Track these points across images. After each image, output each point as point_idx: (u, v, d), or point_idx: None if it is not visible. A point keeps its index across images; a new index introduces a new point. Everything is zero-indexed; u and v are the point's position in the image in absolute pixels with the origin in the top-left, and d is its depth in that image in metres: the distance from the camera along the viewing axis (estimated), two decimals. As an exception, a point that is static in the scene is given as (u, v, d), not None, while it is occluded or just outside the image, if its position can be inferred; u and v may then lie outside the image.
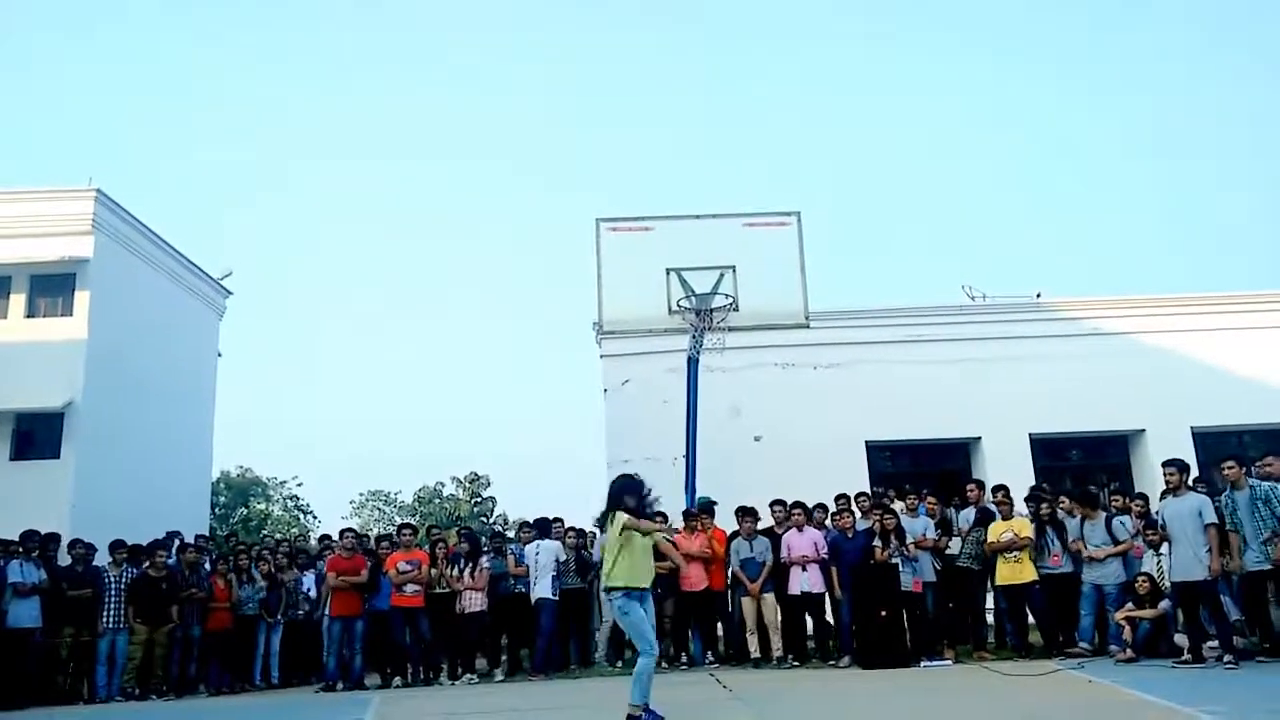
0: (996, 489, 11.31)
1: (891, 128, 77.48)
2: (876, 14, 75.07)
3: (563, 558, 11.20)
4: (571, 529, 11.61)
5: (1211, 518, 8.65)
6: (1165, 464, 9.24)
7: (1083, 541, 10.33)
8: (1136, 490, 13.44)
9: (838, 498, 11.23)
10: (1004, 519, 10.56)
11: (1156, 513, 9.75)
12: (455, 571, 10.92)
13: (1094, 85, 72.35)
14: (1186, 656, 8.74)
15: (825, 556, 10.59)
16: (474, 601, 10.79)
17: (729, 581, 11.00)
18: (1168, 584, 9.74)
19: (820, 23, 77.69)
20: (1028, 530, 10.39)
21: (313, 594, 11.42)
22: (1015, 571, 10.30)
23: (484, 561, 11.06)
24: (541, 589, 10.95)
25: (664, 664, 10.84)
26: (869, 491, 13.00)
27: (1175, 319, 16.45)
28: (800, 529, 10.76)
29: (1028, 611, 10.49)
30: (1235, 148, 70.98)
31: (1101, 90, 73.36)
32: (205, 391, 23.17)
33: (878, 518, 10.52)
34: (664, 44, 79.46)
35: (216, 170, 77.56)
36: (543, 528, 11.63)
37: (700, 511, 11.28)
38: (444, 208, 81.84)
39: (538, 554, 11.11)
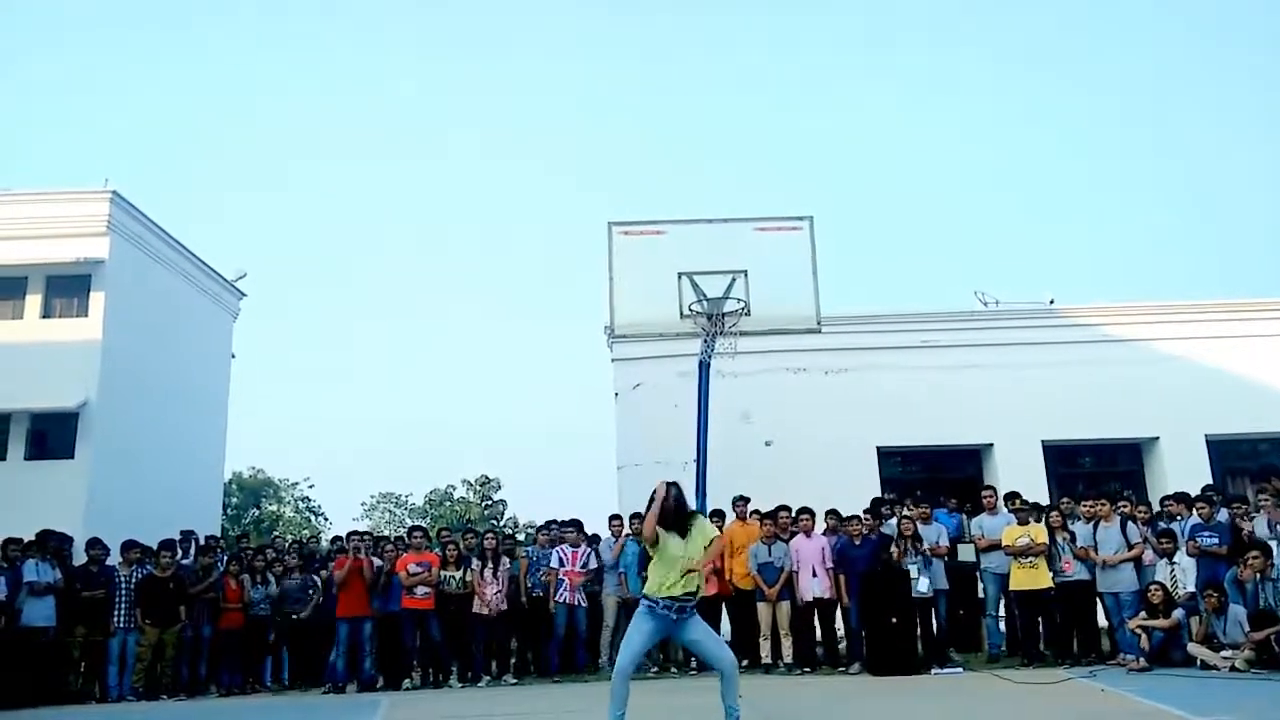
0: (1010, 495, 11.32)
1: (904, 131, 77.40)
2: (885, 15, 75.02)
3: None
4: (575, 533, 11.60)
5: None
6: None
7: (1094, 547, 10.29)
8: (1149, 498, 13.36)
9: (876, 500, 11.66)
10: (1020, 524, 10.55)
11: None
12: (477, 570, 10.85)
13: (1106, 86, 72.12)
14: None
15: (832, 564, 10.59)
16: (496, 603, 10.78)
17: (734, 586, 11.00)
18: (1180, 593, 9.73)
19: (828, 24, 77.69)
20: (1043, 536, 10.37)
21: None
22: (1031, 577, 10.27)
23: (505, 562, 11.07)
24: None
25: (673, 669, 10.89)
26: (878, 498, 12.96)
27: (1189, 325, 16.32)
28: (808, 535, 10.76)
29: (1040, 619, 10.46)
30: (1249, 150, 70.60)
31: (1114, 92, 73.13)
32: (218, 392, 23.28)
33: (902, 518, 10.57)
34: (671, 45, 79.59)
35: (230, 171, 78.06)
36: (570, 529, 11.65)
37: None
38: (455, 209, 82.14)
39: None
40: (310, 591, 11.36)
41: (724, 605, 11.05)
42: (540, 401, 70.65)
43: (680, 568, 5.81)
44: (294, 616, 11.23)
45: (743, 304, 11.79)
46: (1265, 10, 63.75)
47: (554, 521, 11.68)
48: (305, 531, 38.70)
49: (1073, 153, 74.93)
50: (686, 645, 6.21)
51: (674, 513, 5.95)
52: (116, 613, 10.67)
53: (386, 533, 28.45)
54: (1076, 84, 72.35)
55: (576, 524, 11.53)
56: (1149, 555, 10.20)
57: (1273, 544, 9.46)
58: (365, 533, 12.78)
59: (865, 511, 11.21)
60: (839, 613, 10.69)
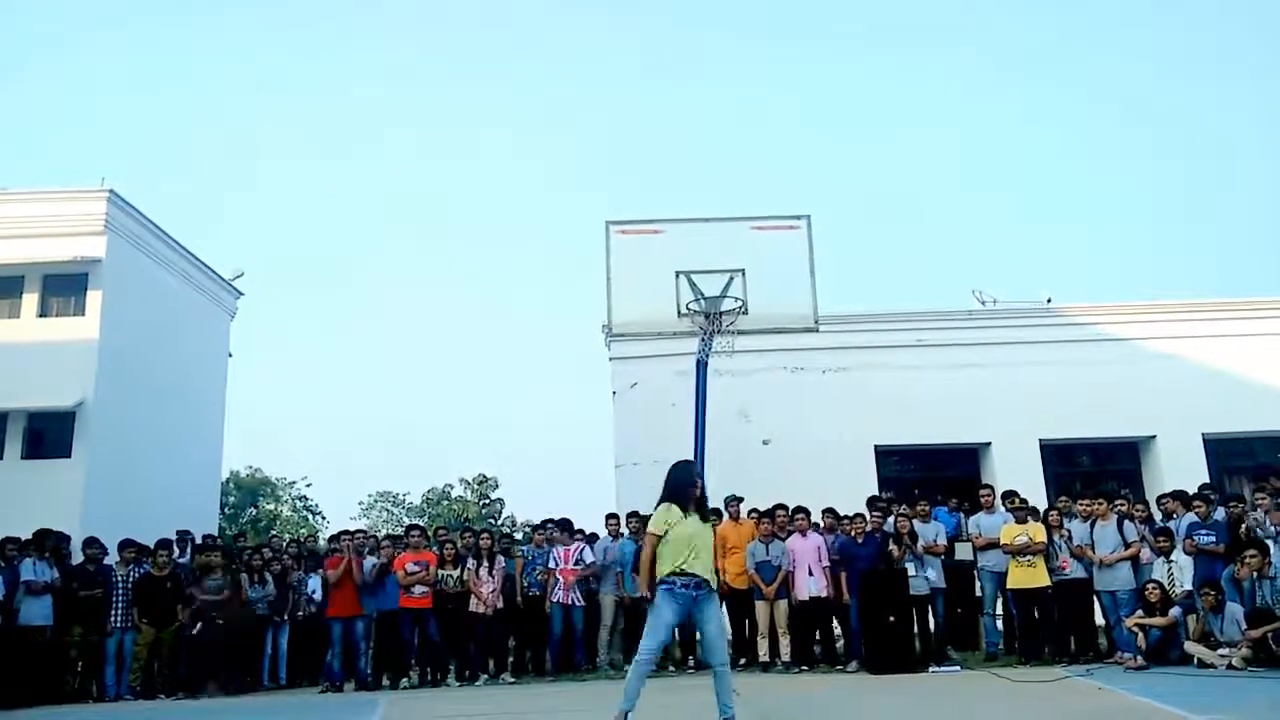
0: (1008, 494, 11.32)
1: (901, 130, 77.42)
2: (883, 16, 75.01)
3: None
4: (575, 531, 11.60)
5: None
6: None
7: (1091, 546, 10.31)
8: (1146, 497, 13.37)
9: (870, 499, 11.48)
10: (1018, 523, 10.56)
11: None
12: (472, 569, 10.81)
13: (1105, 87, 72.15)
14: None
15: (827, 563, 10.60)
16: (493, 601, 10.75)
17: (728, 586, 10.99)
18: (1177, 591, 9.74)
19: (827, 24, 77.68)
20: (1042, 535, 10.38)
21: (318, 595, 11.44)
22: (1029, 576, 10.29)
23: (499, 560, 11.07)
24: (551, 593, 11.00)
25: (671, 667, 10.88)
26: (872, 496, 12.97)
27: (1186, 324, 16.36)
28: (804, 534, 10.76)
29: (1037, 617, 10.47)
30: (1247, 149, 70.68)
31: (1114, 92, 73.17)
32: (215, 391, 23.27)
33: (899, 515, 10.57)
34: (670, 45, 79.56)
35: (228, 171, 77.94)
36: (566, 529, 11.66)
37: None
38: (453, 209, 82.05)
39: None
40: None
41: (723, 604, 11.03)
42: (538, 401, 70.65)
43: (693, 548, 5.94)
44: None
45: (740, 303, 11.78)
46: (1265, 10, 63.82)
47: (550, 521, 11.70)
48: (303, 530, 38.68)
49: (1071, 153, 75.06)
50: (697, 624, 6.27)
51: (699, 501, 6.13)
52: (113, 612, 10.66)
53: (384, 531, 28.49)
54: (1076, 84, 72.43)
55: (565, 523, 11.54)
56: (1146, 554, 10.21)
57: (1270, 543, 9.48)
58: (358, 531, 12.75)
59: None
60: (836, 612, 10.69)
